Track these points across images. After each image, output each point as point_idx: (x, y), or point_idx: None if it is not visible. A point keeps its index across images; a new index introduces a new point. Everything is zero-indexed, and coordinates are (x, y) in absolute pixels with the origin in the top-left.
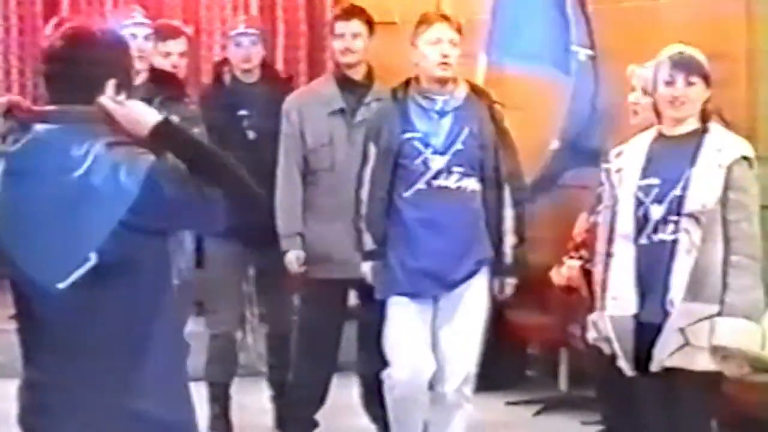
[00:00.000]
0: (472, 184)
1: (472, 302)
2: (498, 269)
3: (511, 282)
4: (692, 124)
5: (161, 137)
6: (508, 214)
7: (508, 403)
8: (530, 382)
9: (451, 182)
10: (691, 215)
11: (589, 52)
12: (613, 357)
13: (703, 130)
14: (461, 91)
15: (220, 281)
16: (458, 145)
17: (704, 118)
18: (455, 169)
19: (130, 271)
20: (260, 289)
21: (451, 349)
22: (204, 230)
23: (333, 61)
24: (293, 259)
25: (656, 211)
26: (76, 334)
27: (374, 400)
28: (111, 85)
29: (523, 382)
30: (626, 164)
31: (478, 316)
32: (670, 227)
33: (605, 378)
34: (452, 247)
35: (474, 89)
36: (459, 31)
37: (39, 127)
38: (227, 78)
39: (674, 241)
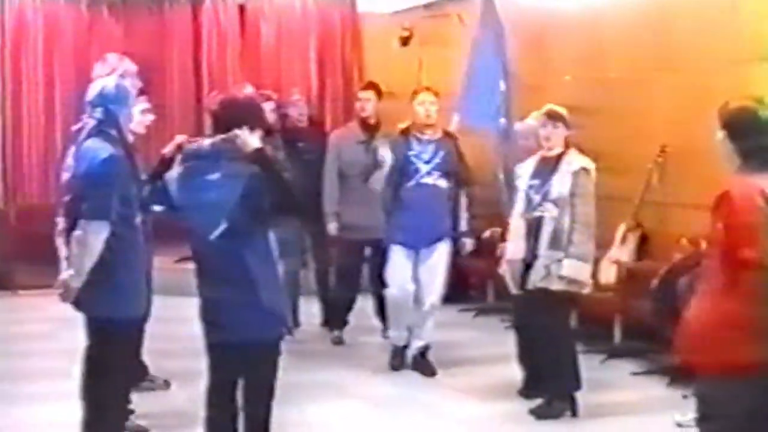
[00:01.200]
0: (443, 183)
1: (439, 255)
2: (460, 235)
3: (469, 241)
4: (558, 149)
5: (258, 155)
6: (464, 201)
7: (459, 310)
8: (471, 297)
9: (431, 180)
10: (552, 201)
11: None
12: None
13: (564, 153)
14: (438, 132)
15: (289, 239)
16: (437, 160)
17: (566, 146)
18: (434, 173)
19: (246, 231)
20: (312, 244)
21: (426, 281)
22: (278, 213)
23: (357, 113)
24: (333, 227)
25: (535, 199)
26: (222, 264)
27: (380, 308)
28: (244, 127)
29: (467, 298)
30: (524, 173)
31: (442, 263)
32: (541, 207)
33: (512, 295)
34: (430, 218)
35: (445, 132)
36: (437, 95)
37: (197, 153)
38: (289, 123)
39: (543, 216)
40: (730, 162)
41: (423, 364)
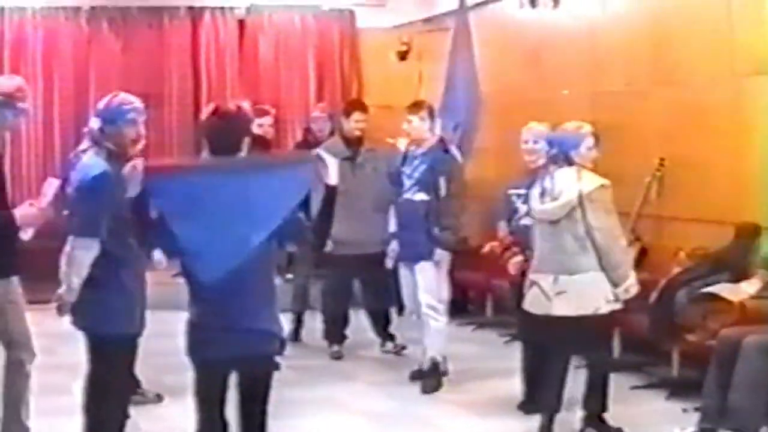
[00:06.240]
0: (421, 196)
1: (423, 271)
2: (437, 246)
3: (442, 253)
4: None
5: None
6: (440, 212)
7: (458, 324)
8: (470, 312)
9: (410, 195)
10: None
11: None
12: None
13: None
14: (429, 143)
15: (299, 254)
16: (416, 174)
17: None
18: (413, 188)
19: (275, 251)
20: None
21: (421, 290)
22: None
23: (341, 130)
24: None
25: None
26: (238, 284)
27: (375, 323)
28: (246, 141)
29: (466, 312)
30: (531, 191)
31: (427, 278)
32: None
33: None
34: (408, 234)
35: (441, 140)
36: (431, 112)
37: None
38: (311, 137)
39: None
40: None
41: (426, 378)
